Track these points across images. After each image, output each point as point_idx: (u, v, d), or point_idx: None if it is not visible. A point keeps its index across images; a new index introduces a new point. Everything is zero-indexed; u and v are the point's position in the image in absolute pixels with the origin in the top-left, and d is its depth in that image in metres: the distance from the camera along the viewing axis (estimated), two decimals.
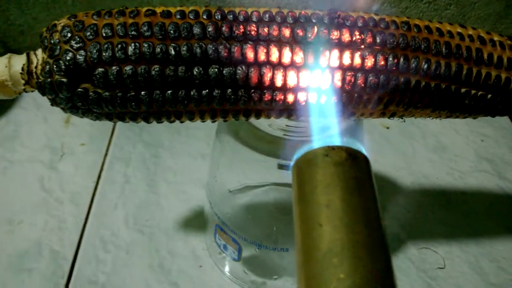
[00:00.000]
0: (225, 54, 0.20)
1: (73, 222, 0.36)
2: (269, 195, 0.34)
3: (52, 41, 0.20)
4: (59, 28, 0.20)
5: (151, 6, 0.21)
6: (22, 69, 0.21)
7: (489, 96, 0.22)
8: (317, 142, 0.15)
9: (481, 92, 0.22)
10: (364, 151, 0.15)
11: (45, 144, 0.41)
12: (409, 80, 0.21)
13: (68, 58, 0.19)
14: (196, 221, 0.36)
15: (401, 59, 0.20)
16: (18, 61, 0.21)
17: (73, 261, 0.34)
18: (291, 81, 0.20)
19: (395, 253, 0.35)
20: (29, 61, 0.21)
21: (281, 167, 0.25)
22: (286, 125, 0.25)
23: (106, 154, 0.41)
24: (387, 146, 0.44)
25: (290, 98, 0.21)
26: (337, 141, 0.15)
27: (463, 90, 0.22)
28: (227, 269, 0.33)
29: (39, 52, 0.21)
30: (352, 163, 0.13)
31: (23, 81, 0.21)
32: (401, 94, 0.21)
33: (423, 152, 0.43)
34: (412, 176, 0.41)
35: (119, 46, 0.19)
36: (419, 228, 0.37)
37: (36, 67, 0.21)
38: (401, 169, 0.41)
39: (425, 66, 0.21)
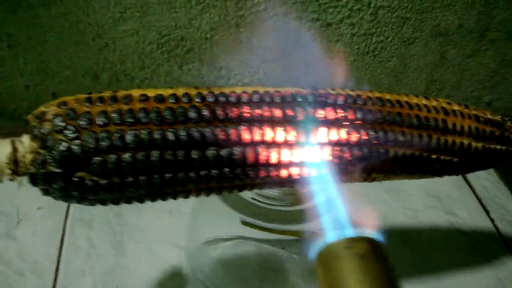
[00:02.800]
0: (223, 136, 0.20)
1: None
2: (239, 249, 0.34)
3: (43, 131, 0.19)
4: (49, 116, 0.19)
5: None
6: (8, 158, 0.20)
7: (455, 159, 0.24)
8: (332, 232, 0.16)
9: (449, 157, 0.24)
10: (381, 239, 0.16)
11: None
12: (387, 151, 0.23)
13: (62, 148, 0.19)
14: (169, 283, 0.36)
15: (380, 133, 0.22)
16: (1, 150, 0.20)
17: None
18: (285, 158, 0.21)
19: None
20: (14, 149, 0.20)
21: (244, 223, 0.27)
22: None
23: (66, 217, 0.39)
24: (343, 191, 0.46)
25: (284, 173, 0.22)
26: (349, 229, 0.17)
27: (433, 156, 0.24)
28: None
29: (25, 139, 0.20)
30: (376, 254, 0.15)
31: (9, 171, 0.20)
32: (382, 163, 0.23)
33: (378, 194, 0.46)
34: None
35: (116, 134, 0.19)
36: None
37: (23, 156, 0.20)
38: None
39: (401, 138, 0.23)
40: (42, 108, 0.20)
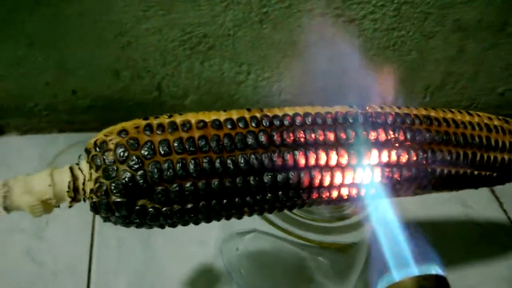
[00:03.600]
0: (280, 162, 0.21)
1: None
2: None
3: (106, 161, 0.19)
4: (111, 146, 0.19)
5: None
6: (68, 187, 0.20)
7: (495, 174, 0.25)
8: (396, 269, 0.17)
9: (489, 172, 0.25)
10: (441, 272, 0.17)
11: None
12: (435, 170, 0.23)
13: (127, 179, 0.19)
14: (200, 282, 0.36)
15: (429, 153, 0.23)
16: (61, 177, 0.20)
17: None
18: (337, 180, 0.22)
19: None
20: (73, 177, 0.20)
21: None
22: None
23: (94, 217, 0.39)
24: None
25: (335, 194, 0.22)
26: (414, 268, 0.17)
27: (476, 172, 0.24)
28: None
29: (84, 166, 0.20)
30: None
31: (69, 199, 0.20)
32: (428, 181, 0.24)
33: None
34: None
35: (180, 164, 0.19)
36: None
37: (83, 183, 0.20)
38: None
39: (448, 157, 0.23)
40: (103, 137, 0.20)
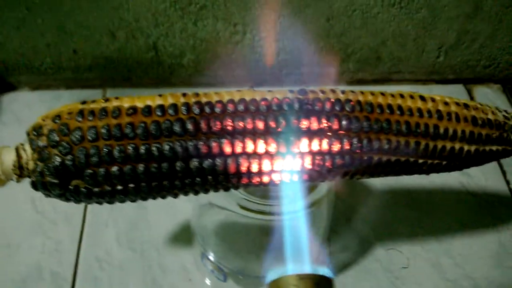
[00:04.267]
0: (205, 150, 0.21)
1: (68, 242, 0.38)
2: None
3: (40, 144, 0.21)
4: (45, 131, 0.21)
5: None
6: (13, 165, 0.22)
7: (444, 162, 0.24)
8: (289, 264, 0.17)
9: (437, 161, 0.24)
10: (330, 275, 0.17)
11: None
12: (372, 158, 0.23)
13: (57, 163, 0.21)
14: (184, 236, 0.39)
15: (365, 142, 0.23)
16: (8, 156, 0.22)
17: (73, 281, 0.37)
18: (266, 167, 0.22)
19: (365, 255, 0.39)
20: (18, 156, 0.22)
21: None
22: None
23: None
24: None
25: (266, 179, 0.23)
26: (307, 267, 0.18)
27: (420, 161, 0.24)
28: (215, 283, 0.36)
29: (27, 147, 0.22)
30: None
31: (15, 176, 0.22)
32: (365, 168, 0.23)
33: None
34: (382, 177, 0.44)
35: (105, 149, 0.21)
36: (387, 229, 0.41)
37: (26, 162, 0.22)
38: None
39: (386, 146, 0.23)
40: (40, 121, 0.21)
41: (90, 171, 0.21)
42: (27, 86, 0.47)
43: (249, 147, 0.22)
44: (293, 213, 0.23)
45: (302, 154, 0.22)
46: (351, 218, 0.41)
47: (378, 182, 0.44)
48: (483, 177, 0.45)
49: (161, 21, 0.42)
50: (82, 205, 0.40)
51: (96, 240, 0.38)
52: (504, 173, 0.45)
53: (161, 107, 0.22)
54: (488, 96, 0.52)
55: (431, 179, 0.44)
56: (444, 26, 0.45)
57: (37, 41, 0.42)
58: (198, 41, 0.44)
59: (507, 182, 0.44)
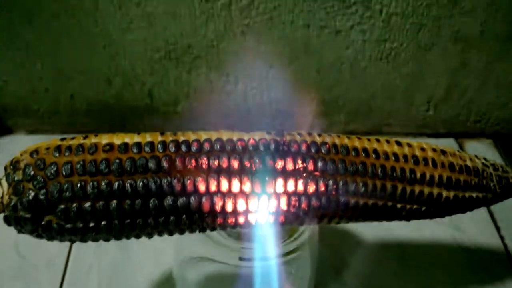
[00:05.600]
0: (179, 188, 0.21)
1: None
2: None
3: (15, 179, 0.21)
4: (21, 165, 0.21)
5: None
6: None
7: (423, 208, 0.24)
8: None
9: (416, 206, 0.24)
10: None
11: None
12: (348, 201, 0.23)
13: (30, 197, 0.21)
14: (166, 285, 0.38)
15: (340, 184, 0.23)
16: None
17: None
18: (241, 207, 0.22)
19: None
20: None
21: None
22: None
23: None
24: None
25: (241, 219, 0.23)
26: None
27: (398, 206, 0.24)
28: None
29: (4, 182, 0.22)
30: None
31: None
32: (342, 212, 0.23)
33: None
34: (372, 230, 0.43)
35: (79, 185, 0.21)
36: (378, 283, 0.40)
37: (2, 197, 0.22)
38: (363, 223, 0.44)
39: (362, 189, 0.23)
40: (18, 156, 0.22)
41: (62, 206, 0.21)
42: (24, 130, 0.48)
43: (224, 185, 0.22)
44: (267, 260, 0.23)
45: (277, 195, 0.22)
46: (341, 270, 0.40)
47: (369, 234, 0.43)
48: (476, 232, 0.44)
49: (156, 70, 0.43)
50: (65, 251, 0.39)
51: (77, 287, 0.37)
52: (498, 228, 0.44)
53: (138, 144, 0.22)
54: (480, 151, 0.52)
55: (422, 233, 0.43)
56: (432, 80, 0.46)
57: (35, 85, 0.43)
58: (192, 90, 0.45)
59: (501, 237, 0.43)
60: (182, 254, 0.33)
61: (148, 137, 0.23)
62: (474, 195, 0.25)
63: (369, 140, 0.24)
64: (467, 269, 0.41)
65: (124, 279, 0.38)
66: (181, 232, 0.23)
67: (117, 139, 0.22)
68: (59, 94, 0.45)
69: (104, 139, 0.22)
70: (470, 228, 0.44)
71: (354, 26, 0.41)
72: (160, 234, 0.23)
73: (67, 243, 0.40)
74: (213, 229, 0.24)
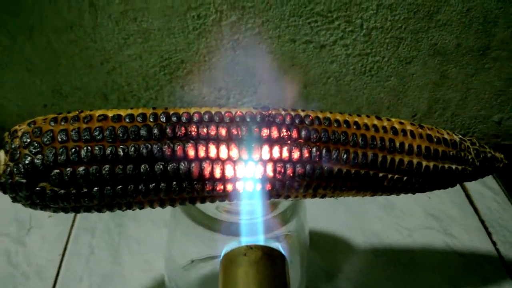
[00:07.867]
0: (169, 153, 0.22)
1: None
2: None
3: (12, 146, 0.22)
4: (19, 134, 0.22)
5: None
6: None
7: (405, 178, 0.25)
8: (242, 240, 0.17)
9: (397, 175, 0.25)
10: (280, 248, 0.17)
11: (13, 217, 0.43)
12: (331, 168, 0.24)
13: (26, 162, 0.22)
14: None
15: (323, 151, 0.24)
16: None
17: None
18: (229, 173, 0.23)
19: None
20: None
21: None
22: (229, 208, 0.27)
23: (72, 226, 0.42)
24: (339, 206, 0.46)
25: (229, 187, 0.24)
26: (260, 239, 0.18)
27: (380, 174, 0.25)
28: None
29: (1, 154, 0.23)
30: (267, 262, 0.16)
31: None
32: (326, 180, 0.24)
33: (373, 210, 0.46)
34: (363, 236, 0.43)
35: (73, 149, 0.22)
36: (370, 286, 0.39)
37: None
38: (353, 229, 0.44)
39: (345, 156, 0.24)
40: (16, 126, 0.23)
41: (57, 170, 0.22)
42: None
43: (212, 151, 0.23)
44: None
45: (263, 161, 0.23)
46: (334, 275, 0.40)
47: (361, 241, 0.43)
48: (468, 238, 0.44)
49: (151, 85, 0.45)
50: (57, 260, 0.39)
51: None
52: (489, 234, 0.45)
53: (130, 115, 0.23)
54: None
55: (413, 239, 0.44)
56: (415, 94, 0.49)
57: (34, 101, 0.45)
58: (185, 105, 0.47)
59: (494, 243, 0.44)
60: (173, 262, 0.33)
61: (140, 110, 0.24)
62: (453, 166, 0.26)
63: (350, 114, 0.25)
64: (462, 272, 0.41)
65: (115, 287, 0.38)
66: (172, 202, 0.24)
67: (111, 112, 0.24)
68: (56, 109, 0.46)
69: (98, 112, 0.24)
70: (462, 234, 0.44)
71: (338, 41, 0.44)
72: (152, 205, 0.24)
73: (60, 252, 0.40)
74: (202, 199, 0.24)
